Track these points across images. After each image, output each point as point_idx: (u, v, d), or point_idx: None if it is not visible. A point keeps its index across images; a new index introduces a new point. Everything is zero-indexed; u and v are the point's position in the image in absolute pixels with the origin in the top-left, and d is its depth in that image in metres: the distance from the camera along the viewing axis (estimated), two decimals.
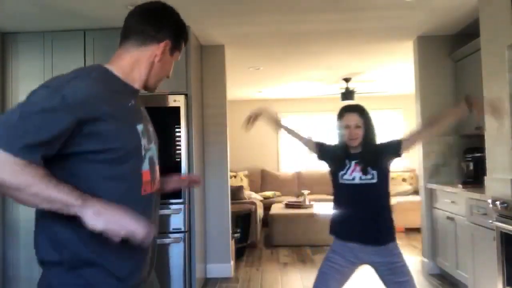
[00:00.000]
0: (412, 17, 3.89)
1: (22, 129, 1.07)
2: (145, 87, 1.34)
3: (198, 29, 4.07)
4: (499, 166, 3.02)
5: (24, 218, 3.82)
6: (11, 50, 3.90)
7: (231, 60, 4.89)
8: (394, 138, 2.37)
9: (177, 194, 3.61)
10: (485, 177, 3.20)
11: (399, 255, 2.27)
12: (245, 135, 8.46)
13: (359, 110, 2.34)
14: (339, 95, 6.84)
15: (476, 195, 3.27)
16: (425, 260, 4.43)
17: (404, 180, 7.84)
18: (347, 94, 6.71)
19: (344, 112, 2.34)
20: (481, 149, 3.51)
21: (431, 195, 4.36)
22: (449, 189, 3.90)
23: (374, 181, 2.24)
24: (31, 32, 3.88)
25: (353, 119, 2.29)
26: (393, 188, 7.67)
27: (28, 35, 3.89)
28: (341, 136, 2.35)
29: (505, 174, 2.94)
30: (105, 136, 1.16)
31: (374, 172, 2.25)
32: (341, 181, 2.31)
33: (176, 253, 3.64)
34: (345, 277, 2.31)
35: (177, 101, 3.72)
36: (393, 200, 7.00)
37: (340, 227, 2.33)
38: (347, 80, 6.64)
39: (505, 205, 2.74)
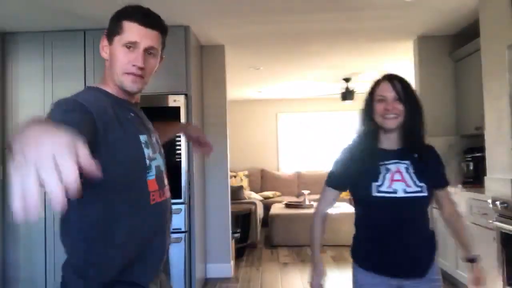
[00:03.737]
0: (412, 17, 3.89)
1: None
2: (122, 89, 1.28)
3: (198, 29, 4.07)
4: (499, 166, 3.02)
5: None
6: (11, 50, 3.90)
7: (231, 60, 4.89)
8: (445, 171, 1.77)
9: (177, 194, 3.61)
10: (485, 177, 3.20)
11: (439, 272, 1.71)
12: (245, 135, 8.50)
13: (403, 82, 1.64)
14: (339, 95, 6.85)
15: (476, 195, 3.27)
16: None
17: None
18: (347, 94, 6.71)
19: (380, 81, 1.67)
20: (481, 149, 3.51)
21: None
22: (449, 189, 3.89)
23: (424, 194, 1.60)
24: (31, 32, 3.88)
25: (393, 89, 1.61)
26: None
27: (28, 35, 3.89)
28: (368, 118, 1.67)
29: (505, 174, 2.94)
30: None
31: (423, 185, 1.60)
32: (375, 194, 1.59)
33: (176, 253, 3.63)
34: None
35: (177, 101, 3.72)
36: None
37: (380, 259, 1.64)
38: (347, 80, 6.64)
39: (505, 205, 2.74)
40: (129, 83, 1.26)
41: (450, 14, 3.82)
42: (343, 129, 8.29)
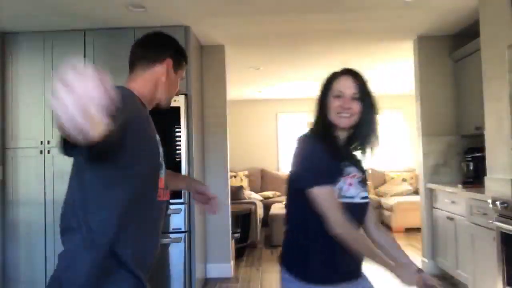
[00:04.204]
0: (412, 17, 3.89)
1: None
2: (158, 104, 1.48)
3: (198, 29, 4.07)
4: (499, 166, 3.02)
5: (24, 218, 3.82)
6: (11, 50, 3.90)
7: (231, 60, 4.88)
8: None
9: (177, 194, 3.61)
10: (485, 177, 3.20)
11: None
12: (245, 135, 8.49)
13: (363, 79, 1.55)
14: None
15: (476, 195, 3.27)
16: (425, 260, 4.43)
17: (404, 180, 7.84)
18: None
19: (340, 74, 1.57)
20: (481, 149, 3.51)
21: (431, 195, 4.36)
22: (449, 189, 3.90)
23: (369, 200, 1.57)
24: (31, 32, 3.87)
25: (354, 86, 1.50)
26: (393, 188, 7.66)
27: (28, 35, 3.89)
28: (322, 113, 1.52)
29: (505, 174, 2.94)
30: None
31: (366, 188, 1.57)
32: (340, 199, 1.45)
33: (176, 253, 3.64)
34: None
35: (177, 101, 3.72)
36: (393, 200, 7.00)
37: (336, 267, 1.50)
38: None
39: (505, 205, 2.74)
40: (167, 105, 1.51)
41: (450, 14, 3.82)
42: None
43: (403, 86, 7.26)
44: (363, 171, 1.55)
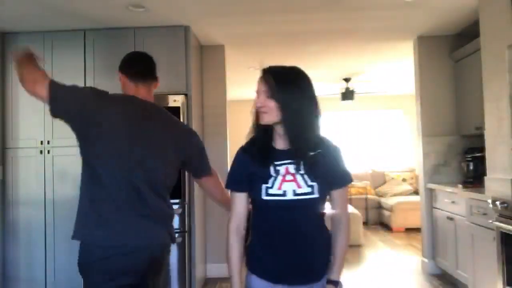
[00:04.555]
0: (412, 17, 3.89)
1: None
2: None
3: (198, 29, 4.07)
4: (499, 166, 3.02)
5: (24, 218, 3.82)
6: (11, 50, 3.90)
7: (231, 60, 4.88)
8: (345, 169, 1.60)
9: (177, 194, 3.61)
10: (485, 177, 3.20)
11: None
12: (245, 135, 8.48)
13: (281, 75, 1.61)
14: (339, 95, 6.85)
15: (476, 195, 3.27)
16: (425, 260, 4.43)
17: (404, 180, 7.84)
18: (347, 94, 6.71)
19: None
20: (481, 149, 3.51)
21: (431, 195, 4.36)
22: (449, 189, 3.90)
23: (315, 196, 1.49)
24: (31, 32, 3.87)
25: (264, 84, 1.56)
26: (393, 188, 7.66)
27: (28, 35, 3.88)
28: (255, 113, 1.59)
29: (505, 174, 2.94)
30: None
31: (314, 184, 1.49)
32: (264, 197, 1.50)
33: (176, 253, 3.63)
34: None
35: (177, 101, 3.72)
36: (393, 200, 7.00)
37: (266, 264, 1.60)
38: (347, 80, 6.64)
39: (505, 205, 2.74)
40: None
41: (450, 14, 3.82)
42: (343, 129, 8.28)
43: (403, 86, 7.26)
44: (307, 163, 1.50)
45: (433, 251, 4.34)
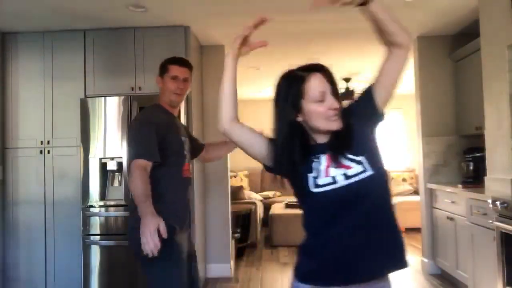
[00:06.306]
0: (412, 17, 3.89)
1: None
2: (170, 106, 2.31)
3: (198, 29, 4.07)
4: (499, 166, 3.02)
5: (24, 218, 3.82)
6: (11, 50, 3.90)
7: None
8: (361, 91, 1.45)
9: None
10: (485, 177, 3.20)
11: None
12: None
13: (329, 72, 1.44)
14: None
15: (476, 195, 3.27)
16: (425, 260, 4.43)
17: (404, 180, 7.84)
18: (347, 94, 6.71)
19: (309, 75, 1.47)
20: (481, 149, 3.51)
21: (431, 195, 4.36)
22: (449, 189, 3.90)
23: (370, 172, 1.28)
24: (31, 32, 3.87)
25: (328, 82, 1.39)
26: (393, 188, 7.67)
27: (28, 35, 3.88)
28: (292, 122, 1.42)
29: (505, 174, 2.94)
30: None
31: (362, 158, 1.30)
32: (314, 189, 1.31)
33: None
34: None
35: None
36: (393, 200, 7.00)
37: (334, 266, 1.30)
38: (347, 80, 6.64)
39: (505, 205, 2.74)
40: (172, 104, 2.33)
41: (450, 14, 3.82)
42: None
43: (403, 86, 7.24)
44: (343, 149, 1.32)
45: (433, 251, 4.34)
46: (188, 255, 2.21)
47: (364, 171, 1.28)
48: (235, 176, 7.98)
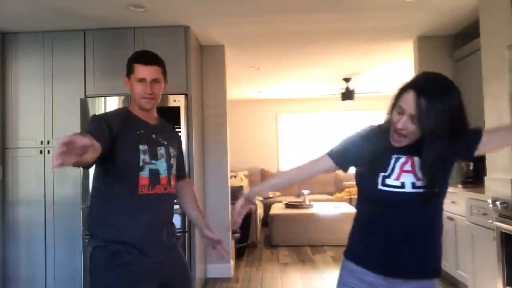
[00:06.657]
0: (412, 17, 3.89)
1: None
2: (140, 109, 1.89)
3: (198, 29, 4.07)
4: (499, 166, 3.02)
5: (24, 218, 3.82)
6: (11, 50, 3.90)
7: (231, 60, 4.89)
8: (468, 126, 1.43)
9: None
10: (485, 177, 3.20)
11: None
12: (245, 135, 8.49)
13: (437, 94, 1.37)
14: (339, 95, 6.84)
15: (476, 195, 3.27)
16: None
17: None
18: (347, 94, 6.71)
19: (407, 88, 1.45)
20: None
21: None
22: (449, 189, 3.89)
23: (434, 189, 1.44)
24: (31, 32, 3.87)
25: (415, 105, 1.36)
26: None
27: (28, 35, 3.89)
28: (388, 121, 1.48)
29: (505, 174, 2.94)
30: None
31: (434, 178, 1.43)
32: (380, 187, 1.43)
33: None
34: None
35: (177, 101, 3.72)
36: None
37: (386, 259, 1.46)
38: (347, 80, 6.64)
39: (505, 205, 2.74)
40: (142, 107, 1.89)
41: (450, 14, 3.82)
42: (343, 129, 8.29)
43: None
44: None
45: None
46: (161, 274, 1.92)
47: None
48: (235, 176, 7.98)
